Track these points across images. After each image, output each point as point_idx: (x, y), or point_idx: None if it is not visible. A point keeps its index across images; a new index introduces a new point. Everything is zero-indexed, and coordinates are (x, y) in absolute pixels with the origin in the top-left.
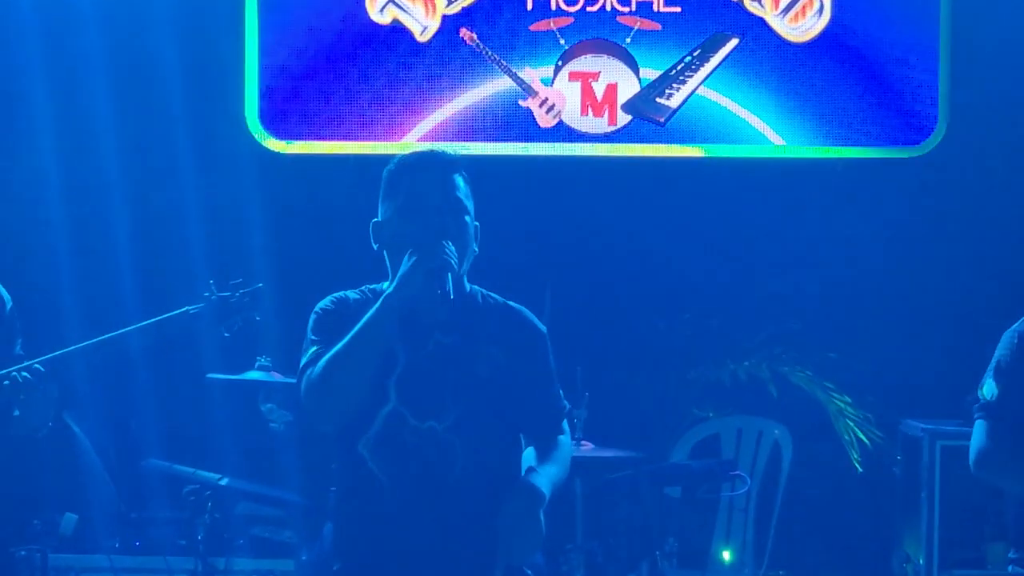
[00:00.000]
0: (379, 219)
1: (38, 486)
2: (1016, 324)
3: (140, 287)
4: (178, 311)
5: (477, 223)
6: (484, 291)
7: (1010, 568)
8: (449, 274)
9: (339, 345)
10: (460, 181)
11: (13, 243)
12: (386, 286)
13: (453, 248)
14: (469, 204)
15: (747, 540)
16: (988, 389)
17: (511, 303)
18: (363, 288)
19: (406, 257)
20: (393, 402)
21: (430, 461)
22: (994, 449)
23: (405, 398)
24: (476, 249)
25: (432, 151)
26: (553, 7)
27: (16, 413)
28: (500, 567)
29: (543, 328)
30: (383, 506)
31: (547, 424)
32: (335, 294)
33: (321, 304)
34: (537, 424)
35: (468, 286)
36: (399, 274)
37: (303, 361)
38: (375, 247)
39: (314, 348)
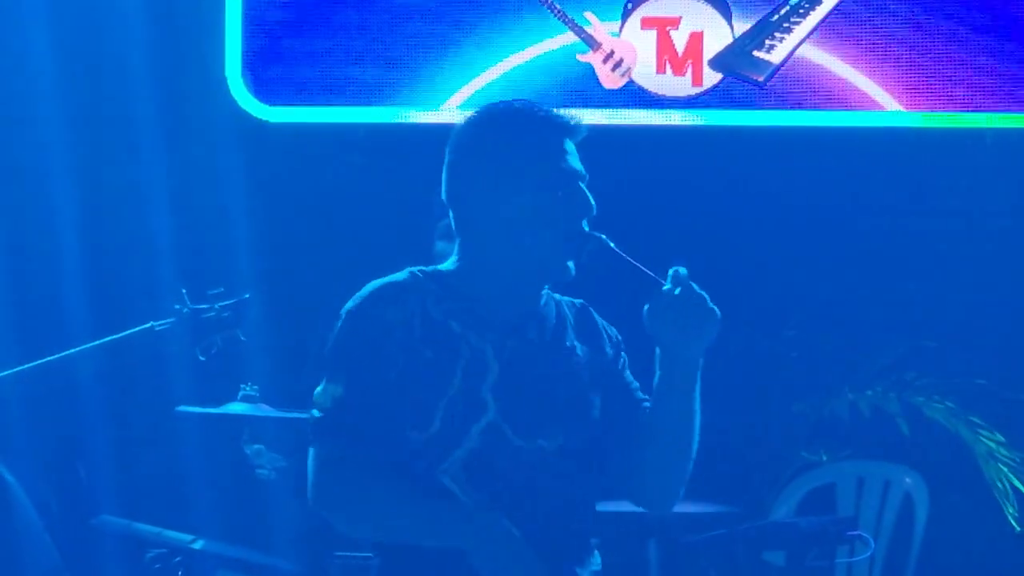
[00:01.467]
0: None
1: None
2: None
3: (93, 295)
4: (141, 328)
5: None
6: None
7: None
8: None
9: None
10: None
11: None
12: (447, 266)
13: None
14: None
15: None
16: None
17: (571, 299)
18: (413, 271)
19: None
20: (492, 414)
21: (538, 488)
22: None
23: (505, 410)
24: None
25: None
26: None
27: None
28: None
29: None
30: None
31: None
32: (376, 288)
33: (355, 307)
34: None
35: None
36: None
37: (317, 414)
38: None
39: (332, 392)
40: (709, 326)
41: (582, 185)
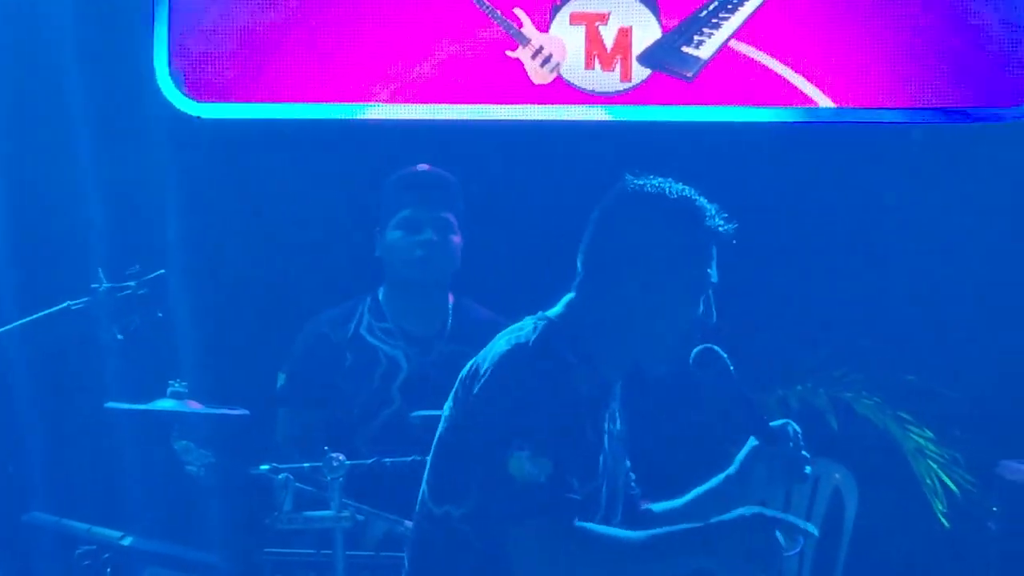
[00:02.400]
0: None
1: None
2: None
3: (9, 280)
4: (57, 307)
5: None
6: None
7: None
8: None
9: None
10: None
11: None
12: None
13: None
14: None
15: None
16: None
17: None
18: (540, 317)
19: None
20: None
21: None
22: None
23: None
24: None
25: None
26: None
27: None
28: None
29: None
30: None
31: None
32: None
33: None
34: None
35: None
36: None
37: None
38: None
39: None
40: (795, 483)
41: (709, 301)
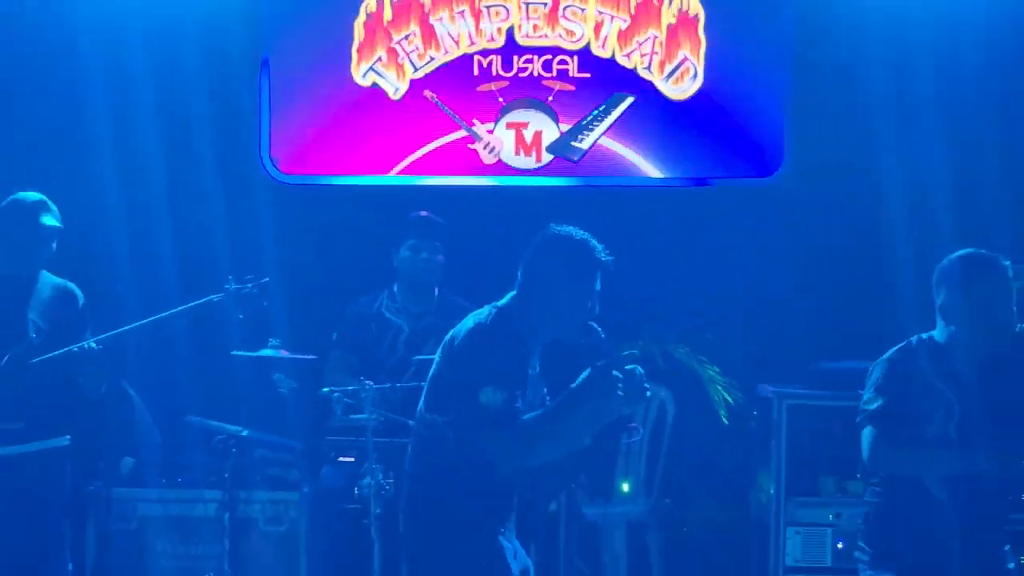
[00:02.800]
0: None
1: (103, 437)
2: (887, 353)
3: (178, 283)
4: (204, 299)
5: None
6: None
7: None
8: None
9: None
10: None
11: (81, 252)
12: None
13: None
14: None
15: (640, 475)
16: (872, 403)
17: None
18: (494, 306)
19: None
20: None
21: None
22: (884, 448)
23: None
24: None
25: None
26: (494, 73)
27: (82, 381)
28: None
29: None
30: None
31: None
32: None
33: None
34: None
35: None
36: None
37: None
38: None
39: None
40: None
41: (595, 301)
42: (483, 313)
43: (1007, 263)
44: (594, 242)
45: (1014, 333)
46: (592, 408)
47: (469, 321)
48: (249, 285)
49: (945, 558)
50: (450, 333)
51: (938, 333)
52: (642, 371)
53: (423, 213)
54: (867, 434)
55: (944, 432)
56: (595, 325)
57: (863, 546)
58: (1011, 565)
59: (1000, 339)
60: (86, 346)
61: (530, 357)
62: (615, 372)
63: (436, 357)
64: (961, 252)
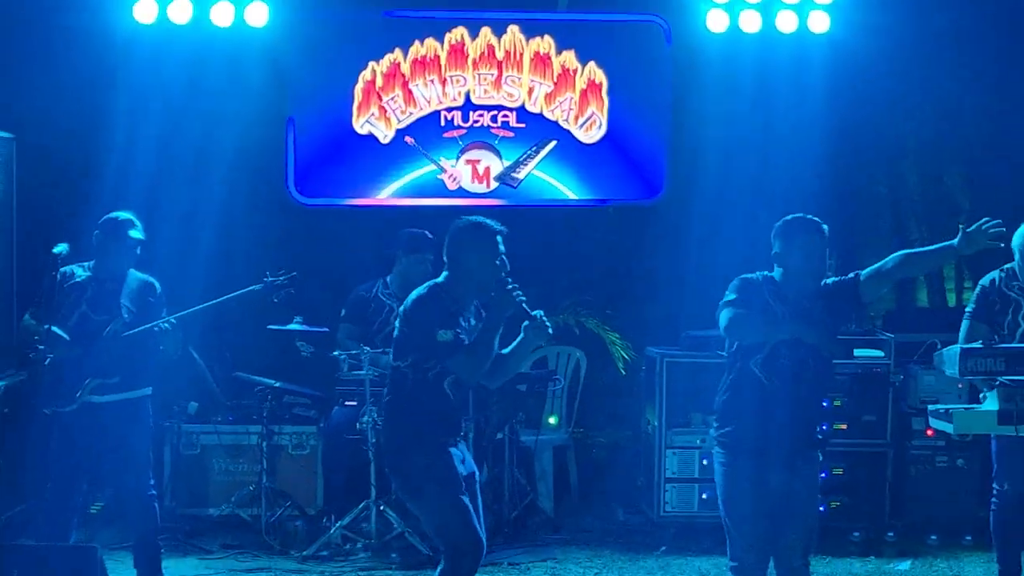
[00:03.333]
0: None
1: (176, 387)
2: (745, 275)
3: (228, 277)
4: (248, 288)
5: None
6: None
7: (711, 432)
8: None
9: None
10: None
11: (159, 258)
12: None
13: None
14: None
15: (563, 412)
16: (729, 296)
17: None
18: (433, 283)
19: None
20: None
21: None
22: (737, 319)
23: None
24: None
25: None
26: (455, 124)
27: (161, 347)
28: None
29: None
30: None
31: None
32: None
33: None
34: None
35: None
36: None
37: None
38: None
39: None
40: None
41: (503, 259)
42: (423, 288)
43: (824, 226)
44: (487, 221)
45: (823, 276)
46: (529, 342)
47: (413, 294)
48: (281, 278)
49: (774, 431)
50: (402, 305)
51: (776, 274)
52: (548, 322)
53: (416, 230)
54: (725, 314)
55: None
56: (510, 280)
57: (715, 430)
58: (819, 437)
59: (813, 279)
60: (163, 324)
61: (463, 313)
62: (546, 321)
63: (396, 323)
64: (790, 216)
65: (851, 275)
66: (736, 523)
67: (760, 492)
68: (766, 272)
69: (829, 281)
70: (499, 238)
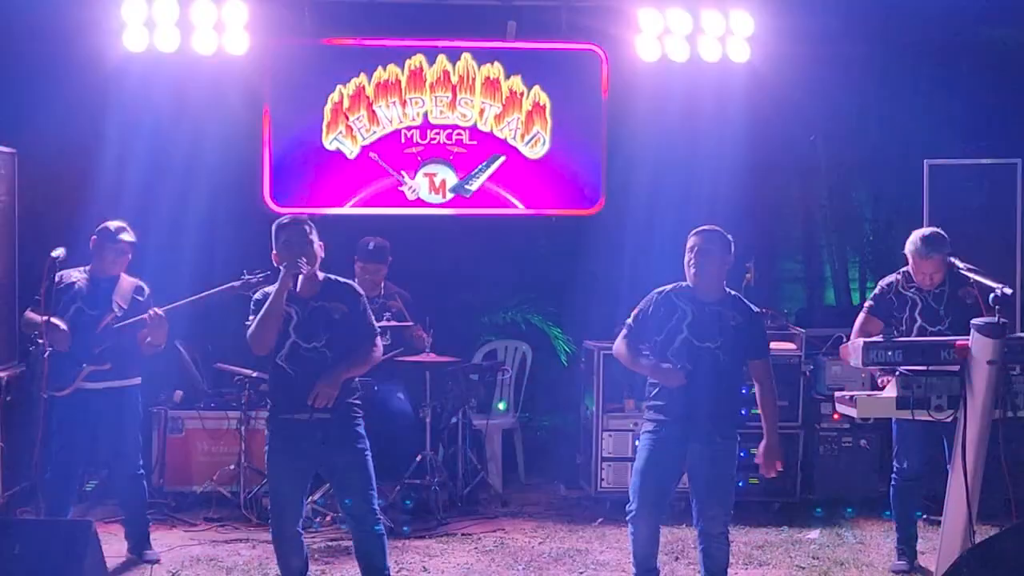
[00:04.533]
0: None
1: (163, 377)
2: (657, 289)
3: (208, 276)
4: (228, 284)
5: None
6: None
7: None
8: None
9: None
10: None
11: (148, 261)
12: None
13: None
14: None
15: (510, 399)
16: (630, 319)
17: (341, 279)
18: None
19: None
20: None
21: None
22: (619, 346)
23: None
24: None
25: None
26: (415, 141)
27: (148, 339)
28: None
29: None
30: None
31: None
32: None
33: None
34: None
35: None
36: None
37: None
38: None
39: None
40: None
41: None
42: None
43: (729, 238)
44: (298, 219)
45: (722, 285)
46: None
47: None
48: (257, 276)
49: (694, 412)
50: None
51: (686, 280)
52: None
53: (373, 238)
54: (618, 339)
55: (674, 335)
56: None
57: (647, 404)
58: (743, 412)
59: (712, 287)
60: (151, 313)
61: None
62: None
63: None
64: (696, 229)
65: (750, 330)
66: (643, 479)
67: (673, 461)
68: (682, 283)
69: (742, 296)
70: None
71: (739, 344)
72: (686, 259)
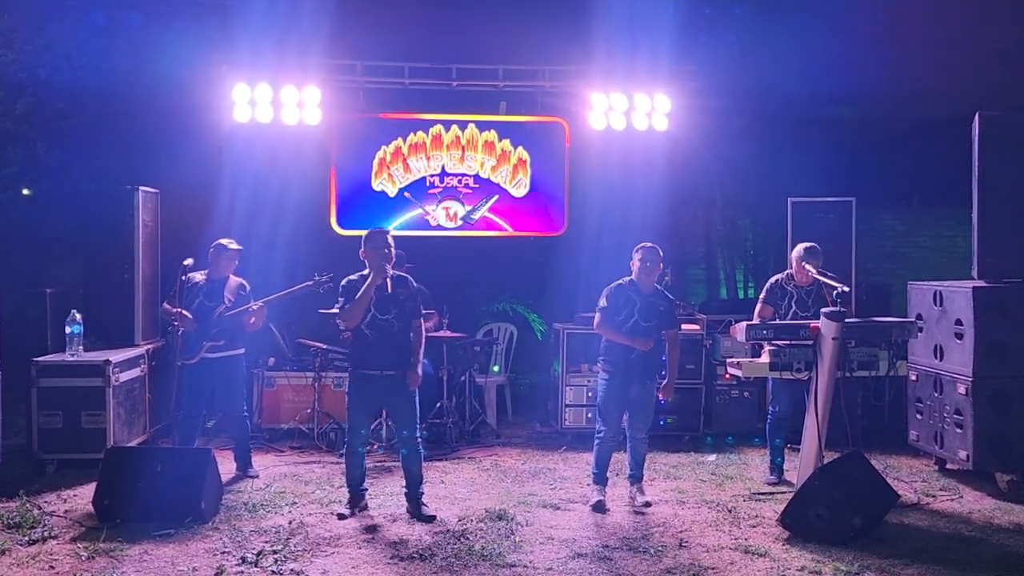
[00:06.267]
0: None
1: (261, 348)
2: (612, 283)
3: (292, 278)
4: (304, 283)
5: (402, 252)
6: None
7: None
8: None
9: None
10: (390, 239)
11: (249, 267)
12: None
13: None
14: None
15: (502, 363)
16: (600, 302)
17: (402, 273)
18: (361, 274)
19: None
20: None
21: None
22: (602, 324)
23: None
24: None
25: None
26: (435, 184)
27: (252, 320)
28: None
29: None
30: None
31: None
32: (350, 276)
33: (344, 280)
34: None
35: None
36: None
37: (338, 307)
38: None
39: (342, 300)
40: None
41: (391, 249)
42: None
43: (661, 252)
44: (383, 230)
45: (657, 283)
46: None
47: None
48: (325, 278)
49: (632, 365)
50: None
51: (632, 276)
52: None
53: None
54: (597, 316)
55: (629, 317)
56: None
57: (600, 362)
58: (662, 371)
59: (650, 284)
60: (252, 306)
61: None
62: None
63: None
64: (641, 245)
65: (669, 312)
66: (606, 411)
67: (621, 396)
68: (629, 277)
69: (663, 289)
70: (388, 238)
71: (662, 321)
72: (636, 265)
